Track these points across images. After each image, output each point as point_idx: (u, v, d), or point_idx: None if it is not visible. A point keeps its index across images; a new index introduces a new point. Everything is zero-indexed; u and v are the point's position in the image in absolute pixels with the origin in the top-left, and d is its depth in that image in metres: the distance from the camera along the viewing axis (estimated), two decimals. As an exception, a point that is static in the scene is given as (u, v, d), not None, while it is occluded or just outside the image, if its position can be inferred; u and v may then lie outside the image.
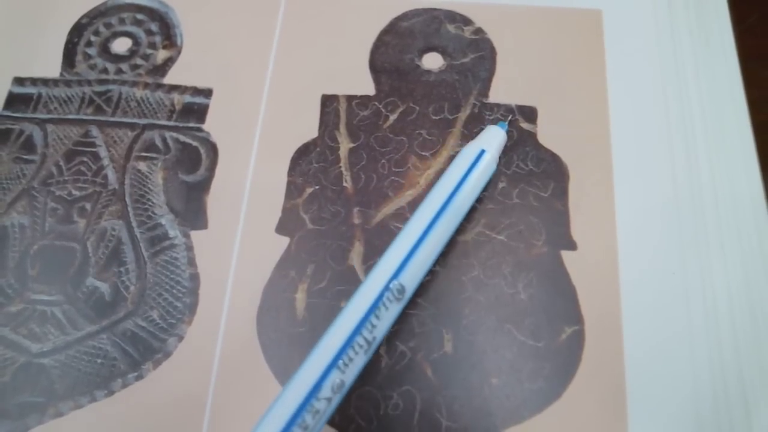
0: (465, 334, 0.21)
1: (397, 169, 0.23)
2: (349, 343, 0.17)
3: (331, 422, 0.20)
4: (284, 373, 0.21)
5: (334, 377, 0.17)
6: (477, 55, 0.25)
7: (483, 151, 0.21)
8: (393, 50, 0.26)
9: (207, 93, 0.25)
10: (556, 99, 0.24)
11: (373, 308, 0.18)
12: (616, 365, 0.20)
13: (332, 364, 0.17)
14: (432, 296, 0.21)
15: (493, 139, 0.22)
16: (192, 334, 0.21)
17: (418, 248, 0.19)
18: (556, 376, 0.20)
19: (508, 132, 0.23)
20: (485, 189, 0.23)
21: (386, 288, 0.18)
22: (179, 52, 0.26)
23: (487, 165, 0.22)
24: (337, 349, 0.17)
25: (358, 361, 0.18)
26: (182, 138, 0.24)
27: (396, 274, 0.19)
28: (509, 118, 0.24)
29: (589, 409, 0.20)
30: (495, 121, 0.24)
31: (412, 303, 0.21)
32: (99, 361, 0.21)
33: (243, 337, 0.21)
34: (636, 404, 0.20)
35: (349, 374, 0.17)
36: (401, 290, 0.19)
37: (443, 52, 0.25)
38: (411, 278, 0.19)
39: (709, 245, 0.22)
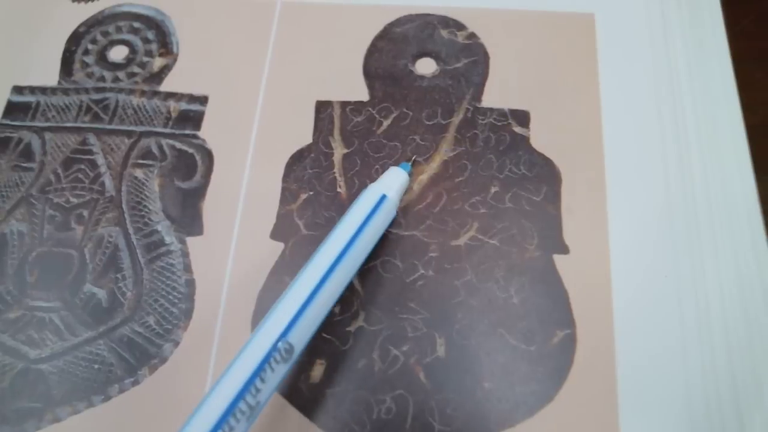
0: (458, 338, 0.21)
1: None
2: (230, 410, 0.16)
3: (324, 427, 0.20)
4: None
5: None
6: (470, 60, 0.25)
7: (384, 196, 0.20)
8: (386, 56, 0.26)
9: (203, 100, 0.25)
10: (549, 103, 0.24)
11: (259, 370, 0.16)
12: (608, 368, 0.20)
13: None
14: (425, 300, 0.22)
15: (394, 181, 0.21)
16: (188, 340, 0.22)
17: (310, 303, 0.18)
18: (548, 380, 0.20)
19: (410, 173, 0.23)
20: (388, 232, 0.22)
21: (274, 348, 0.17)
22: (175, 60, 0.26)
23: (388, 210, 0.21)
24: (217, 417, 0.15)
25: (240, 430, 0.16)
26: (178, 145, 0.25)
27: (285, 333, 0.17)
28: (412, 159, 0.23)
29: (581, 412, 0.20)
30: (488, 126, 0.24)
31: (404, 308, 0.21)
32: (96, 366, 0.21)
33: (238, 342, 0.21)
34: (628, 407, 0.20)
35: None
36: (290, 350, 0.17)
37: (436, 58, 0.26)
38: (300, 336, 0.17)
39: (701, 248, 0.22)
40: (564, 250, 0.22)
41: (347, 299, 0.21)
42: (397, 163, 0.24)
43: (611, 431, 0.20)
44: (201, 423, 0.15)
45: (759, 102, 0.26)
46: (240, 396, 0.16)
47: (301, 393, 0.21)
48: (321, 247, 0.19)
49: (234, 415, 0.16)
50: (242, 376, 0.16)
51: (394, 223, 0.22)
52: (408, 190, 0.23)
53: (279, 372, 0.17)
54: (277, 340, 0.17)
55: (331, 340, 0.21)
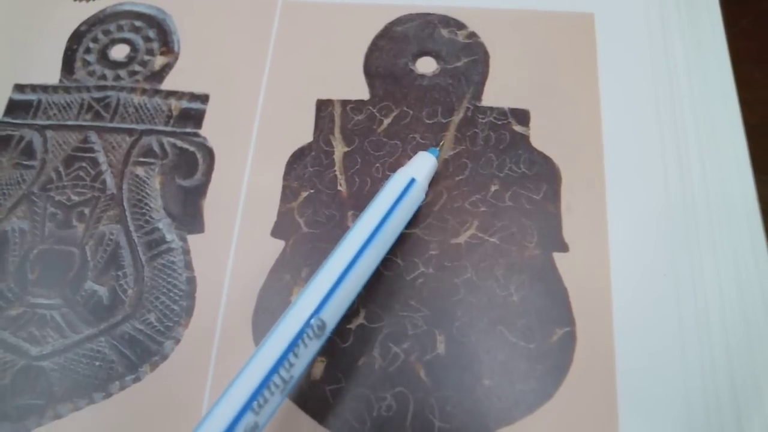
0: (458, 335, 0.21)
1: (391, 173, 0.23)
2: (265, 383, 0.16)
3: (325, 424, 0.20)
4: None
5: (248, 420, 0.16)
6: (470, 59, 0.26)
7: (413, 180, 0.21)
8: (387, 55, 0.26)
9: (204, 98, 0.25)
10: (549, 102, 0.25)
11: (292, 346, 0.17)
12: (607, 366, 0.20)
13: (246, 406, 0.16)
14: (425, 298, 0.22)
15: (423, 166, 0.22)
16: (189, 337, 0.22)
17: (342, 282, 0.18)
18: (548, 377, 0.20)
19: (438, 157, 0.23)
20: (417, 218, 0.22)
21: (307, 324, 0.17)
22: (176, 58, 0.26)
23: (417, 194, 0.21)
24: (252, 390, 0.16)
25: (274, 402, 0.17)
26: (179, 143, 0.25)
27: (318, 310, 0.18)
28: (440, 144, 0.24)
29: (581, 410, 0.20)
30: (488, 125, 0.24)
31: (405, 305, 0.22)
32: (97, 363, 0.21)
33: (239, 339, 0.22)
34: (627, 405, 0.20)
35: (263, 416, 0.16)
36: (322, 326, 0.18)
37: (437, 57, 0.26)
38: (333, 314, 0.18)
39: (700, 247, 0.22)
40: (563, 248, 0.22)
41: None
42: (398, 162, 0.24)
43: (610, 429, 0.20)
44: (237, 394, 0.16)
45: (758, 101, 0.26)
46: (274, 369, 0.16)
47: (301, 390, 0.21)
48: (352, 228, 0.19)
49: (269, 387, 0.16)
50: (277, 350, 0.17)
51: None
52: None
53: (312, 348, 0.17)
54: (311, 317, 0.17)
55: (331, 338, 0.21)
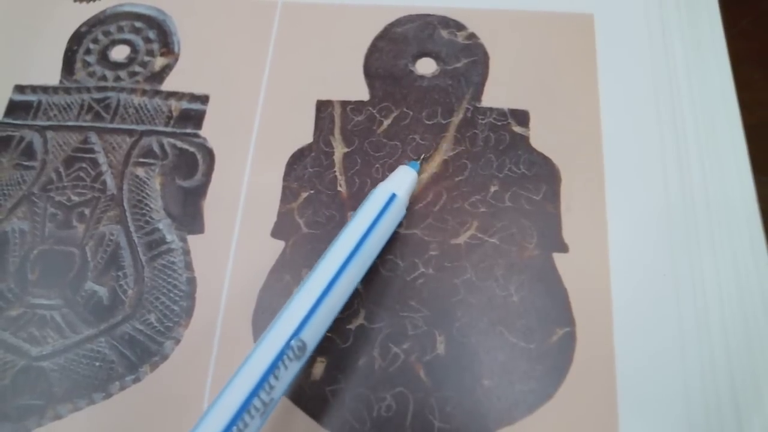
0: (457, 336, 0.21)
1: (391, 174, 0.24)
2: (245, 406, 0.16)
3: (325, 424, 0.20)
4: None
5: None
6: (470, 60, 0.26)
7: (394, 195, 0.21)
8: (387, 56, 0.26)
9: (204, 99, 0.25)
10: (549, 103, 0.25)
11: (272, 368, 0.17)
12: (607, 366, 0.20)
13: (226, 431, 0.16)
14: (425, 299, 0.22)
15: (404, 180, 0.21)
16: (189, 337, 0.22)
17: (322, 302, 0.18)
18: (548, 378, 0.20)
19: (419, 171, 0.23)
20: (395, 231, 0.22)
21: (287, 346, 0.17)
22: (176, 59, 0.26)
23: (397, 210, 0.21)
24: (232, 414, 0.16)
25: (254, 426, 0.16)
26: (179, 144, 0.25)
27: (297, 331, 0.17)
28: (421, 157, 0.23)
29: (581, 410, 0.20)
30: (488, 126, 0.24)
31: (405, 306, 0.22)
32: (97, 364, 0.21)
33: (239, 339, 0.22)
34: (627, 405, 0.20)
35: None
36: (302, 347, 0.17)
37: (436, 58, 0.26)
38: (313, 334, 0.18)
39: (700, 247, 0.22)
40: (563, 248, 0.22)
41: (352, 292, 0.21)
42: (397, 162, 0.24)
43: (610, 429, 0.20)
44: (216, 419, 0.16)
45: (757, 102, 0.26)
46: (254, 393, 0.16)
47: (301, 391, 0.21)
48: (332, 246, 0.19)
49: (248, 411, 0.16)
50: (256, 373, 0.16)
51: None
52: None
53: (292, 369, 0.17)
54: (290, 338, 0.17)
55: (331, 338, 0.21)
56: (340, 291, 0.19)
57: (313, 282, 0.18)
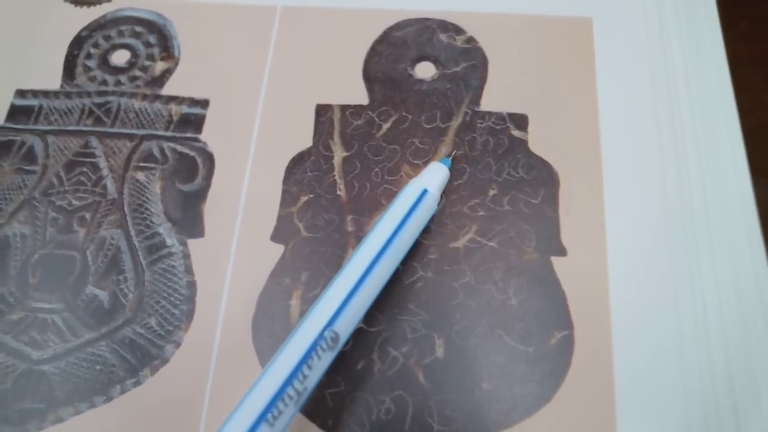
0: (456, 339, 0.21)
1: (390, 177, 0.24)
2: (279, 394, 0.16)
3: (324, 427, 0.20)
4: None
5: (263, 431, 0.16)
6: (469, 63, 0.26)
7: (425, 191, 0.21)
8: (386, 60, 0.26)
9: (204, 103, 0.26)
10: (547, 106, 0.25)
11: (306, 358, 0.17)
12: (606, 369, 0.21)
13: (261, 418, 0.16)
14: (424, 302, 0.22)
15: (435, 176, 0.22)
16: (189, 341, 0.22)
17: (355, 294, 0.18)
18: (546, 381, 0.20)
19: (450, 167, 0.23)
20: (427, 227, 0.22)
21: (320, 336, 0.18)
22: (177, 64, 0.27)
23: (429, 205, 0.21)
24: (266, 401, 0.16)
25: (288, 414, 0.17)
26: (179, 148, 0.25)
27: (331, 322, 0.18)
28: (452, 153, 0.24)
29: (579, 413, 0.20)
30: (487, 130, 0.24)
31: (404, 309, 0.22)
32: (98, 367, 0.21)
33: (239, 343, 0.22)
34: (625, 408, 0.20)
35: (277, 427, 0.16)
36: (335, 338, 0.18)
37: (435, 62, 0.26)
38: (346, 325, 0.18)
39: (698, 250, 0.22)
40: (562, 252, 0.22)
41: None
42: (395, 167, 0.24)
43: (609, 431, 0.20)
44: (252, 406, 0.16)
45: (756, 105, 0.26)
46: (289, 381, 0.17)
47: (301, 394, 0.21)
48: (365, 239, 0.20)
49: (283, 399, 0.16)
50: (291, 362, 0.17)
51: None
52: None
53: (325, 359, 0.18)
54: (324, 329, 0.18)
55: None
56: (373, 284, 0.19)
57: (347, 274, 0.19)
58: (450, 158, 0.23)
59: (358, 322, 0.19)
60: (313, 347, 0.17)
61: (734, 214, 0.22)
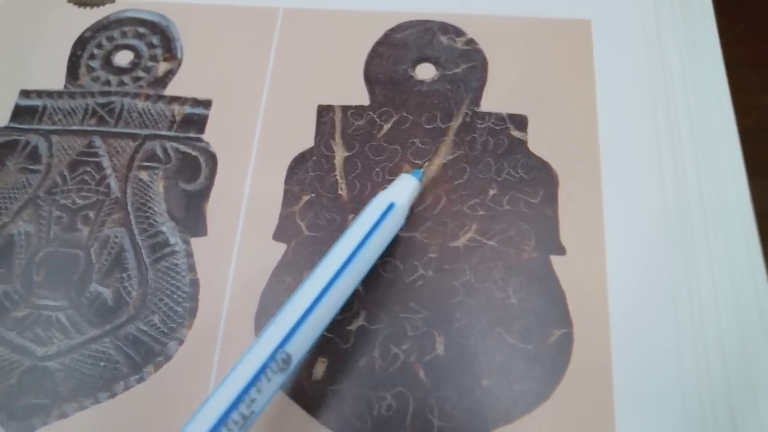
0: (457, 337, 0.21)
1: (391, 177, 0.24)
2: (222, 420, 0.15)
3: (326, 423, 0.20)
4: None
5: None
6: (469, 65, 0.26)
7: (392, 205, 0.20)
8: (387, 61, 0.26)
9: (206, 104, 0.26)
10: (547, 107, 0.25)
11: (255, 380, 0.16)
12: (604, 367, 0.21)
13: None
14: (424, 300, 0.22)
15: (404, 189, 0.21)
16: (192, 338, 0.22)
17: (311, 313, 0.17)
18: (545, 378, 0.21)
19: (422, 179, 0.23)
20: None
21: (271, 358, 0.17)
22: (179, 65, 0.27)
23: (396, 219, 0.20)
24: (208, 428, 0.15)
25: None
26: (182, 148, 0.25)
27: (283, 343, 0.17)
28: (423, 165, 0.24)
29: (578, 410, 0.20)
30: (486, 130, 0.25)
31: (404, 307, 0.22)
32: (102, 364, 0.22)
33: (241, 340, 0.22)
34: (623, 405, 0.20)
35: None
36: (287, 360, 0.17)
37: (436, 63, 0.26)
38: (299, 346, 0.17)
39: (696, 250, 0.22)
40: (561, 251, 0.22)
41: (348, 299, 0.22)
42: (396, 167, 0.24)
43: (607, 428, 0.20)
44: (193, 430, 0.15)
45: (752, 106, 0.26)
46: (233, 406, 0.16)
47: (303, 390, 0.21)
48: (325, 256, 0.19)
49: (227, 424, 0.16)
50: (237, 386, 0.16)
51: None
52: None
53: (275, 382, 0.17)
54: (275, 350, 0.17)
55: (332, 339, 0.22)
56: (330, 303, 0.18)
57: (303, 294, 0.18)
58: (423, 170, 0.23)
59: (315, 342, 0.18)
60: (262, 369, 0.16)
61: (731, 214, 0.23)
